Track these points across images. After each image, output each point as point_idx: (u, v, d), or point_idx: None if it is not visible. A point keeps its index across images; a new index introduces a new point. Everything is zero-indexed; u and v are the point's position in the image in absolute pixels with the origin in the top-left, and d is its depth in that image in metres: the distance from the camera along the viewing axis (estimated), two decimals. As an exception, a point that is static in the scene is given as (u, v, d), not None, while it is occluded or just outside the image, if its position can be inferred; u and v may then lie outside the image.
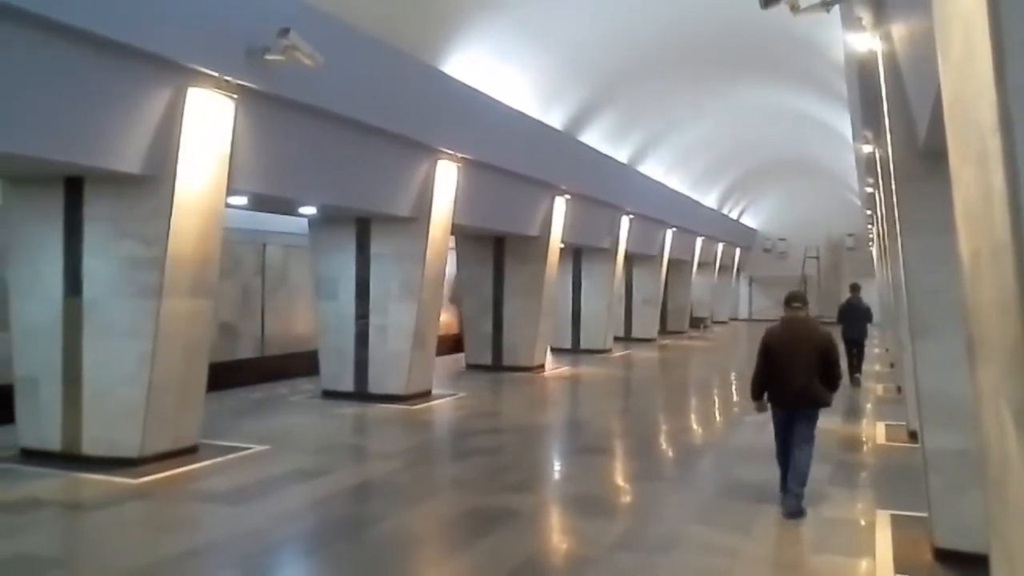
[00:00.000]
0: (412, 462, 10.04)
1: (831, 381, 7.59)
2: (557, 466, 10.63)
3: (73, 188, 9.05)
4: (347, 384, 14.09)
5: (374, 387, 13.95)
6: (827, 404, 7.71)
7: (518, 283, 18.97)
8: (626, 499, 8.80)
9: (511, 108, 15.30)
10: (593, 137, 20.02)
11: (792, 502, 7.56)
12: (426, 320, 14.11)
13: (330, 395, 14.09)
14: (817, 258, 43.79)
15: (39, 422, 9.24)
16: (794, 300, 7.85)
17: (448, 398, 14.57)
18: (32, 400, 9.27)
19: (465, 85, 13.60)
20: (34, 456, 9.14)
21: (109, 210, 8.95)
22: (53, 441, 9.17)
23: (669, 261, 29.61)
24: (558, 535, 7.60)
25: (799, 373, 7.49)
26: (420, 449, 11.01)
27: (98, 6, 7.34)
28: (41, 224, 9.17)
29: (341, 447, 11.12)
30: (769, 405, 7.86)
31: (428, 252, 13.78)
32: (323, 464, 9.66)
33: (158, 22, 7.98)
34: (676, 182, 28.67)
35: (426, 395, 14.31)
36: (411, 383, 13.94)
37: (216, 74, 8.73)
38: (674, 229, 29.07)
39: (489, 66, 14.09)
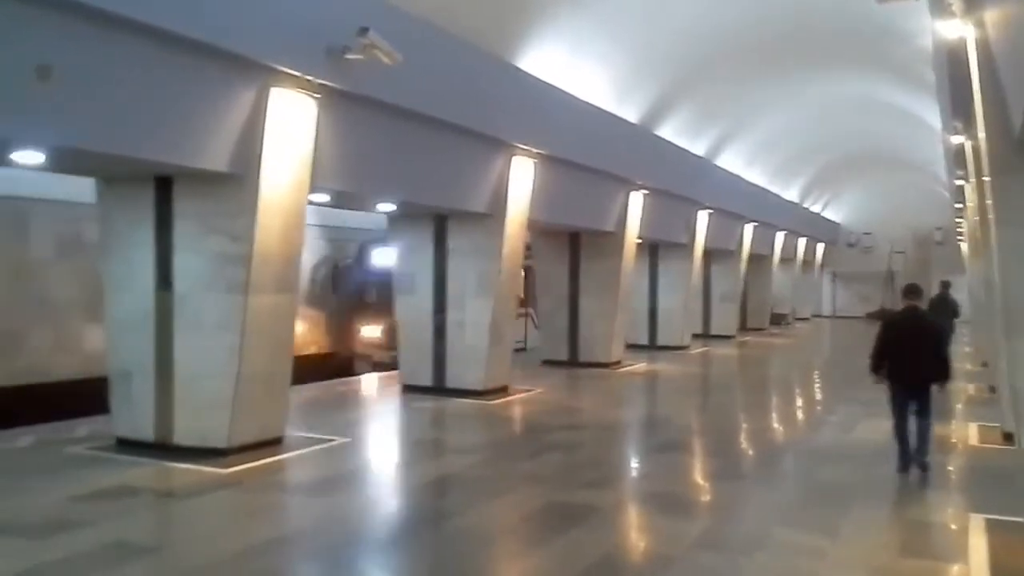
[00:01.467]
0: (490, 457, 10.09)
1: (942, 371, 8.77)
2: (635, 463, 10.54)
3: (163, 186, 9.35)
4: (425, 378, 14.25)
5: (452, 382, 14.07)
6: (945, 380, 8.87)
7: (594, 279, 18.87)
8: (706, 498, 8.67)
9: (586, 103, 15.22)
10: (670, 130, 19.76)
11: (920, 459, 8.90)
12: (502, 315, 14.16)
13: (409, 389, 14.27)
14: (903, 253, 42.40)
15: (133, 413, 9.59)
16: (912, 291, 9.11)
17: (525, 393, 14.60)
18: (126, 391, 9.63)
19: (540, 80, 13.59)
20: (129, 445, 9.49)
21: (197, 207, 9.23)
22: (146, 431, 9.51)
23: (749, 256, 29.06)
24: (637, 533, 7.54)
25: (920, 354, 8.69)
26: (497, 444, 11.05)
27: (187, 9, 7.57)
28: (133, 221, 9.51)
29: (420, 441, 11.25)
30: (888, 384, 8.98)
31: (504, 248, 13.82)
32: (402, 457, 9.79)
33: (243, 24, 8.18)
34: (755, 175, 28.11)
35: (503, 390, 14.36)
36: (488, 378, 14.02)
37: (298, 74, 8.91)
38: (754, 223, 28.51)
39: (564, 61, 14.04)
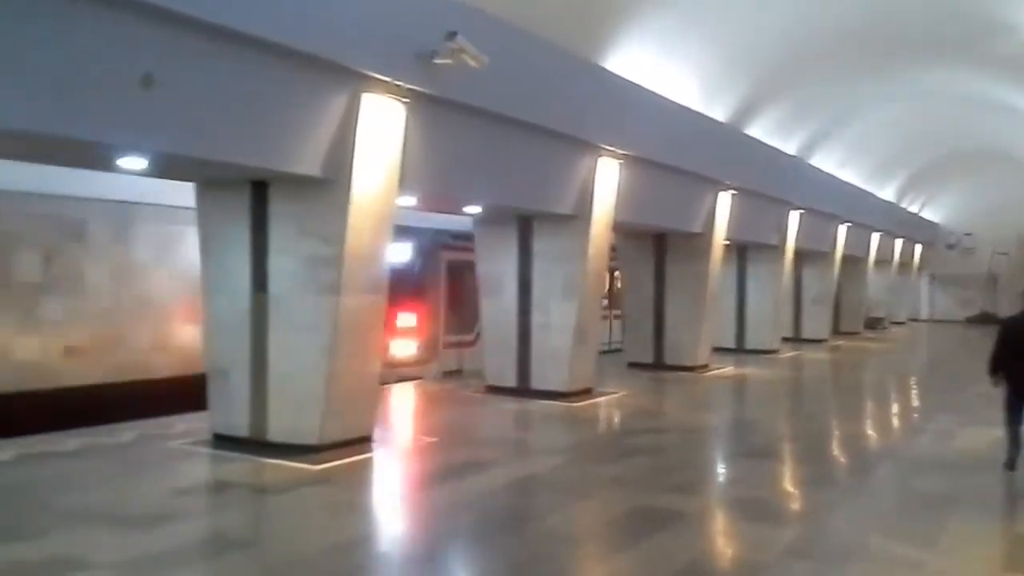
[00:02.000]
0: (575, 459, 10.08)
1: None
2: (722, 468, 10.37)
3: (259, 190, 9.66)
4: (510, 380, 14.32)
5: (536, 383, 14.10)
6: None
7: (680, 281, 18.64)
8: (797, 505, 8.47)
9: (673, 102, 15.05)
10: (760, 129, 19.37)
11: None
12: (587, 317, 14.13)
13: (494, 390, 14.36)
14: (1006, 255, 40.51)
15: (229, 410, 9.93)
16: None
17: (609, 396, 14.52)
18: (223, 389, 9.98)
19: (627, 81, 13.50)
20: (225, 441, 9.83)
21: (292, 211, 9.50)
22: (242, 428, 9.83)
23: (842, 258, 28.23)
24: (725, 539, 7.42)
25: None
26: (582, 446, 11.03)
27: (283, 19, 7.81)
28: (230, 224, 9.85)
29: (505, 441, 11.31)
30: (1004, 384, 9.09)
31: (589, 250, 13.78)
32: (488, 457, 9.85)
33: (335, 31, 8.39)
34: (850, 175, 27.30)
35: (587, 392, 14.32)
36: (572, 380, 14.00)
37: (388, 79, 9.08)
38: (848, 224, 27.69)
39: (651, 61, 13.92)
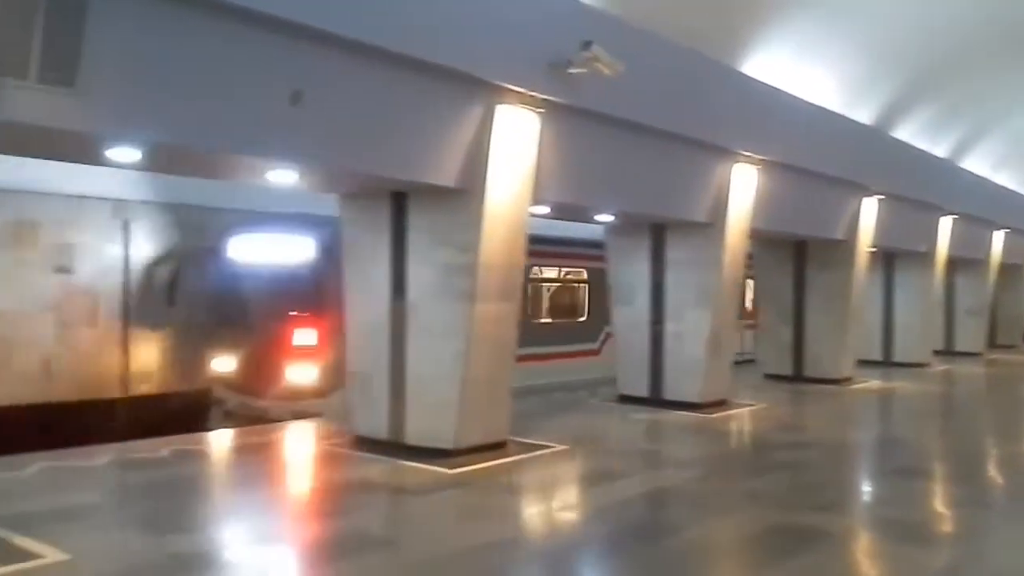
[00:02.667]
0: (710, 472, 9.86)
1: None
2: (868, 487, 9.91)
3: (398, 201, 9.96)
4: (642, 389, 14.16)
5: (669, 393, 13.89)
6: None
7: (822, 290, 17.95)
8: (950, 528, 7.99)
9: (813, 105, 14.53)
10: (907, 131, 18.43)
11: None
12: (722, 327, 13.82)
13: (626, 399, 14.25)
14: None
15: (370, 413, 10.26)
16: None
17: (746, 408, 14.13)
18: (365, 393, 10.32)
19: (764, 84, 13.14)
20: (365, 443, 10.15)
21: (428, 221, 9.75)
22: (381, 430, 10.14)
23: (999, 266, 26.47)
24: (871, 561, 7.07)
25: None
26: (718, 459, 10.78)
27: (422, 34, 8.04)
28: (371, 234, 10.19)
29: (638, 452, 11.19)
30: None
31: (725, 257, 13.49)
32: (621, 467, 9.78)
33: (471, 45, 8.56)
34: (1005, 178, 25.57)
35: (722, 404, 13.99)
36: (707, 391, 13.72)
37: (523, 90, 9.19)
38: (1005, 230, 25.95)
39: (790, 63, 13.49)
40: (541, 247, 14.15)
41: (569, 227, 15.62)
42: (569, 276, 18.51)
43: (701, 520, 7.74)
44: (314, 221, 12.86)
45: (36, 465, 8.63)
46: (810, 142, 14.51)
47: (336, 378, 12.19)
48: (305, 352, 12.79)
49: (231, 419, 12.54)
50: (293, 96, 7.34)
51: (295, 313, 12.72)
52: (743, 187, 13.59)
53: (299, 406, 12.33)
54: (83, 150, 7.33)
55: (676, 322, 13.83)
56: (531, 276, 15.95)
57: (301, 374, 12.79)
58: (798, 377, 17.92)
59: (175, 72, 6.66)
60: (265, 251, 13.26)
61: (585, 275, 18.33)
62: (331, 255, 12.08)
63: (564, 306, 18.58)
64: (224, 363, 13.48)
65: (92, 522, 6.96)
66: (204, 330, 13.86)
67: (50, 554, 6.00)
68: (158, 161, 7.89)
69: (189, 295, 14.61)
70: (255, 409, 12.39)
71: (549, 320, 18.05)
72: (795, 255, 18.19)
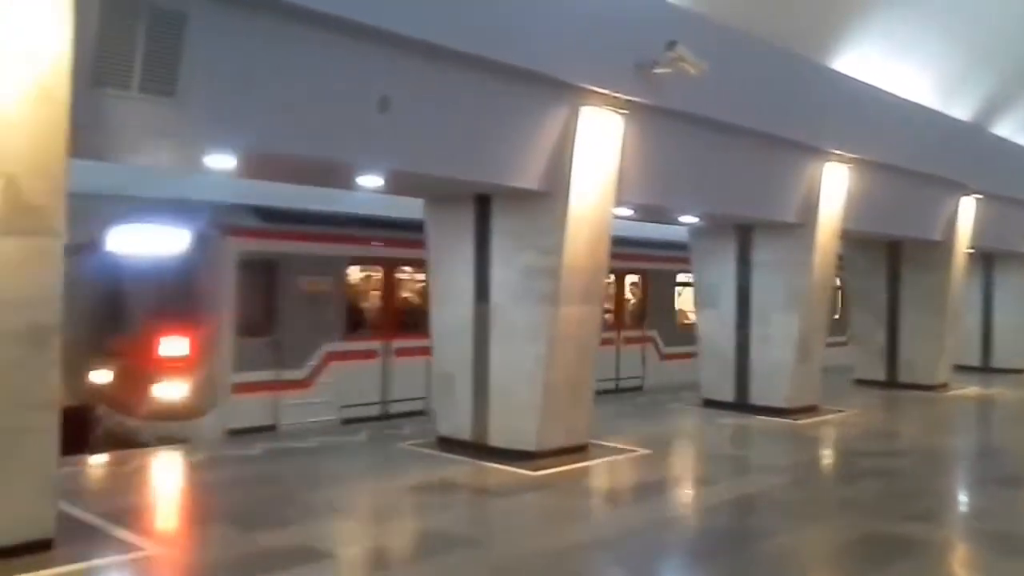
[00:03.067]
0: (799, 479, 9.62)
1: None
2: (966, 497, 9.52)
3: (482, 204, 10.03)
4: (727, 394, 13.92)
5: (756, 398, 13.62)
6: None
7: (916, 293, 17.33)
8: (1058, 542, 7.60)
9: (908, 101, 14.04)
10: (1008, 128, 17.63)
11: None
12: (812, 331, 13.48)
13: (710, 404, 14.02)
14: None
15: (453, 414, 10.35)
16: None
17: (836, 414, 13.74)
18: (448, 394, 10.42)
19: (856, 81, 12.76)
20: (449, 444, 10.25)
21: (512, 224, 9.79)
22: (464, 431, 10.22)
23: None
24: (971, 573, 6.79)
25: None
26: (807, 466, 10.51)
27: (506, 38, 8.08)
28: (456, 237, 10.29)
29: (723, 457, 11.00)
30: None
31: (815, 259, 13.16)
32: (705, 473, 9.65)
33: (557, 48, 8.56)
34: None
35: (811, 410, 13.63)
36: (795, 396, 13.39)
37: (607, 92, 9.15)
38: (1116, 230, 24.54)
39: (883, 59, 13.07)
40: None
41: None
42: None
43: (791, 527, 7.56)
44: (190, 208, 11.15)
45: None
46: (905, 139, 14.02)
47: (210, 395, 10.85)
48: (175, 364, 10.81)
49: (111, 440, 10.64)
50: (381, 102, 7.48)
51: (165, 317, 10.92)
52: (834, 186, 13.23)
53: (168, 428, 10.54)
54: (182, 157, 7.63)
55: (763, 325, 13.55)
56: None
57: (169, 390, 10.79)
58: (891, 383, 17.34)
59: (268, 81, 6.87)
60: (147, 243, 11.33)
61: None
62: (201, 248, 11.00)
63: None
64: (102, 375, 11.28)
65: (185, 516, 7.22)
66: (82, 336, 10.61)
67: (147, 547, 6.24)
68: (251, 168, 8.13)
69: (66, 295, 13.39)
70: (129, 429, 10.69)
71: None
72: (889, 256, 17.60)
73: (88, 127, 5.98)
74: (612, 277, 15.35)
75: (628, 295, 17.19)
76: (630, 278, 16.95)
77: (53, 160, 5.74)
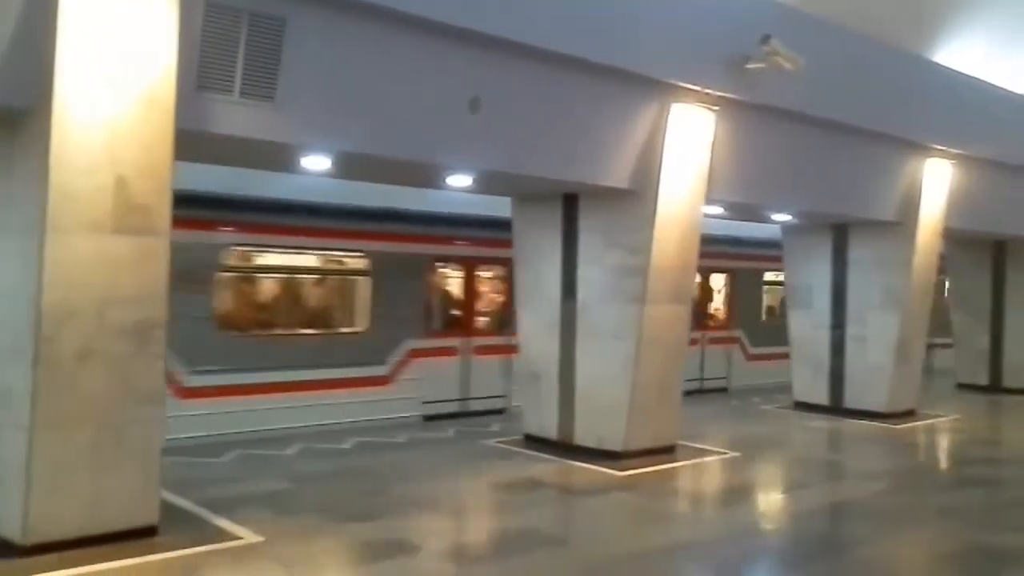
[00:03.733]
0: (896, 486, 9.31)
1: None
2: (1080, 510, 9.04)
3: (570, 203, 10.02)
4: (820, 396, 13.57)
5: (850, 401, 13.25)
6: None
7: (1023, 294, 16.55)
8: None
9: (1016, 94, 13.40)
10: None
11: None
12: (912, 332, 13.03)
13: (802, 406, 13.69)
14: None
15: (539, 412, 10.39)
16: None
17: (936, 419, 13.24)
18: (534, 392, 10.46)
19: (959, 74, 12.25)
20: (535, 442, 10.29)
21: (600, 222, 9.76)
22: (550, 430, 10.24)
23: None
24: (1085, 592, 6.46)
25: None
26: (905, 472, 10.16)
27: (597, 37, 8.05)
28: (544, 236, 10.31)
29: (815, 461, 10.73)
30: None
31: (915, 258, 12.72)
32: (797, 477, 9.43)
33: (646, 45, 8.49)
34: None
35: (910, 414, 13.18)
36: (892, 400, 12.97)
37: (698, 88, 9.03)
38: None
39: (986, 51, 12.51)
40: None
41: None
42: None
43: (886, 535, 7.31)
44: None
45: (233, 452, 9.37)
46: (1012, 135, 13.40)
47: None
48: None
49: None
50: (472, 103, 7.55)
51: None
52: (936, 183, 12.76)
53: None
54: (281, 160, 7.86)
55: (859, 326, 13.16)
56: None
57: None
58: (995, 387, 16.61)
59: (362, 84, 7.02)
60: None
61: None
62: None
63: None
64: None
65: (281, 507, 7.44)
66: None
67: (245, 535, 6.48)
68: (344, 169, 8.32)
69: None
70: None
71: None
72: (994, 256, 16.87)
73: (192, 131, 6.22)
74: (698, 276, 14.72)
75: (714, 294, 16.86)
76: (716, 277, 16.62)
77: (160, 162, 5.99)
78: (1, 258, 6.09)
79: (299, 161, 7.74)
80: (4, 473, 5.94)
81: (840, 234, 13.35)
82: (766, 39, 8.72)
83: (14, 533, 5.77)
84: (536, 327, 10.44)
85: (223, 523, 6.73)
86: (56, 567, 5.53)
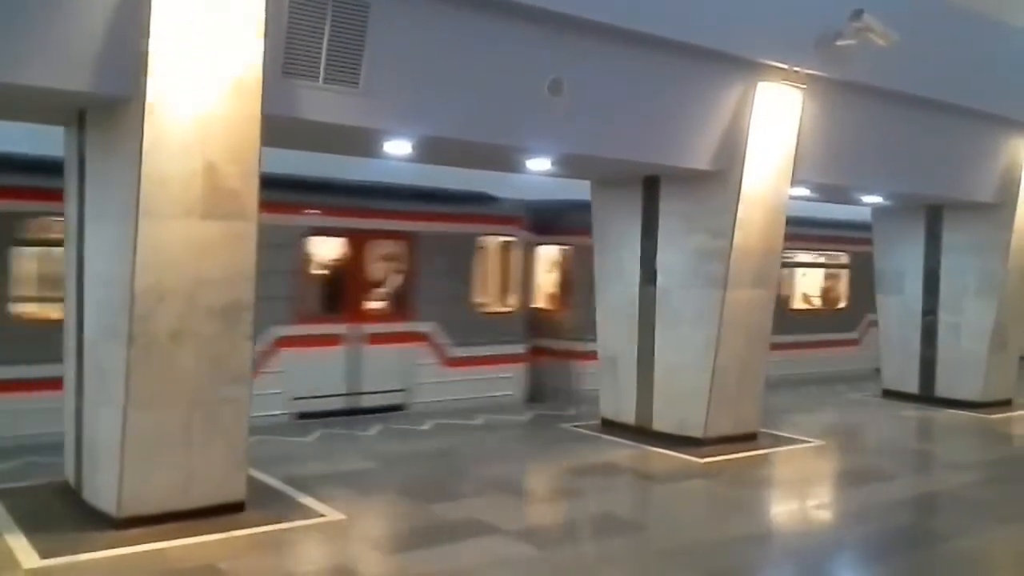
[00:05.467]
0: (992, 477, 8.94)
1: None
2: None
3: (650, 186, 9.88)
4: (911, 385, 13.13)
5: (942, 390, 12.78)
6: None
7: None
8: None
9: None
10: None
11: None
12: (1009, 319, 12.48)
13: (891, 395, 13.27)
14: None
15: (617, 397, 10.32)
16: None
17: (1035, 410, 12.69)
18: (612, 376, 10.38)
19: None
20: (612, 427, 10.23)
21: (681, 205, 9.59)
22: (628, 415, 10.16)
23: None
24: None
25: None
26: (1001, 463, 9.76)
27: (679, 16, 7.89)
28: (623, 219, 10.19)
29: (904, 452, 10.41)
30: None
31: (1013, 241, 12.16)
32: (885, 467, 9.15)
33: (733, 23, 8.28)
34: None
35: (1006, 404, 12.64)
36: (988, 389, 12.46)
37: (786, 66, 8.78)
38: None
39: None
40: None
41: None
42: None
43: (980, 528, 7.04)
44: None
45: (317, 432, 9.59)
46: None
47: None
48: None
49: None
50: (552, 85, 7.50)
51: None
52: (1038, 163, 12.15)
53: None
54: (364, 145, 7.95)
55: (953, 313, 12.67)
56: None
57: None
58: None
59: (444, 68, 7.04)
60: None
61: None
62: None
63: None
64: None
65: (363, 486, 7.58)
66: None
67: (329, 513, 6.62)
68: (426, 153, 8.36)
69: None
70: None
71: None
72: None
73: (278, 116, 6.33)
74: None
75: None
76: None
77: (248, 148, 6.12)
78: (98, 243, 6.34)
79: (382, 146, 7.81)
80: (100, 449, 6.22)
81: (934, 217, 12.84)
82: (858, 14, 8.41)
83: (110, 506, 6.04)
84: (615, 311, 10.35)
85: (307, 500, 6.90)
86: (148, 540, 5.77)
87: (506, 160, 9.00)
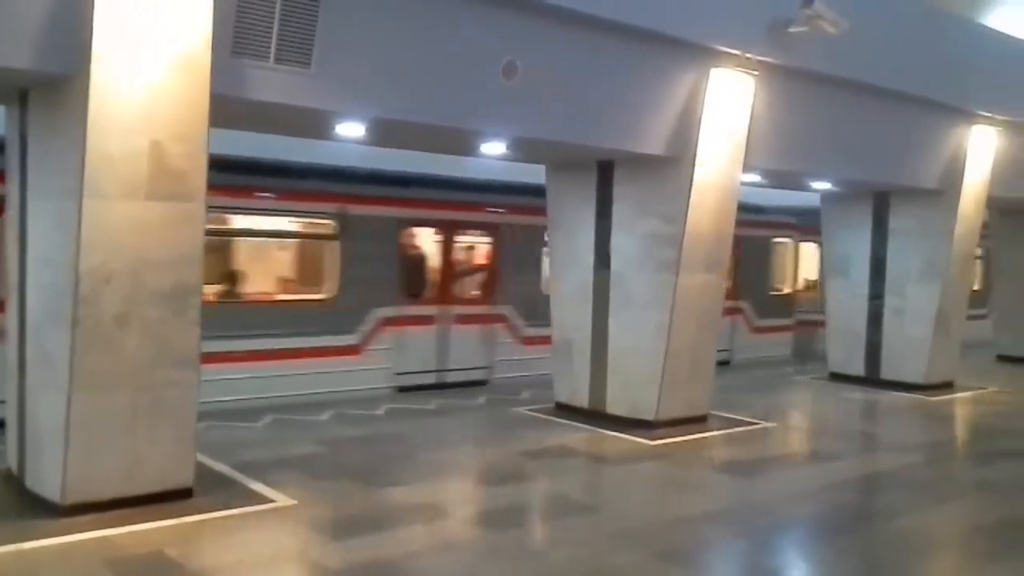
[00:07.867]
0: (931, 458, 9.19)
1: None
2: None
3: (605, 171, 9.91)
4: (856, 368, 13.41)
5: (887, 373, 13.08)
6: None
7: (1070, 265, 16.17)
8: None
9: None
10: None
11: None
12: (951, 303, 12.80)
13: (837, 378, 13.55)
14: None
15: (571, 380, 10.38)
16: None
17: (975, 391, 13.04)
18: (566, 360, 10.44)
19: (1009, 37, 11.89)
20: (566, 410, 10.30)
21: (634, 190, 9.65)
22: (582, 398, 10.24)
23: None
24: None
25: None
26: (940, 444, 10.04)
27: (632, 0, 7.90)
28: (577, 203, 10.22)
29: (849, 433, 10.64)
30: None
31: (957, 228, 12.45)
32: (830, 448, 9.35)
33: (685, 8, 8.33)
34: None
35: (948, 386, 12.99)
36: (931, 371, 12.78)
37: (739, 53, 8.86)
38: None
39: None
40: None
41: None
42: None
43: (921, 507, 7.25)
44: None
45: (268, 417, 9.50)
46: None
47: None
48: None
49: None
50: (506, 68, 7.46)
51: None
52: (982, 150, 12.45)
53: None
54: (315, 126, 7.84)
55: (897, 297, 12.95)
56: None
57: None
58: (1038, 359, 16.30)
59: (397, 50, 6.96)
60: None
61: None
62: None
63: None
64: None
65: (313, 471, 7.54)
66: None
67: (279, 499, 6.57)
68: (378, 136, 8.28)
69: None
70: None
71: None
72: (1038, 225, 16.46)
73: (227, 96, 6.21)
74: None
75: None
76: None
77: (195, 127, 6.00)
78: (41, 223, 6.18)
79: (334, 128, 7.72)
80: (44, 434, 6.08)
81: (881, 203, 13.09)
82: (809, 2, 8.51)
83: (54, 493, 5.92)
84: (569, 295, 10.40)
85: (255, 486, 6.83)
86: (94, 527, 5.66)
87: (460, 143, 8.96)
